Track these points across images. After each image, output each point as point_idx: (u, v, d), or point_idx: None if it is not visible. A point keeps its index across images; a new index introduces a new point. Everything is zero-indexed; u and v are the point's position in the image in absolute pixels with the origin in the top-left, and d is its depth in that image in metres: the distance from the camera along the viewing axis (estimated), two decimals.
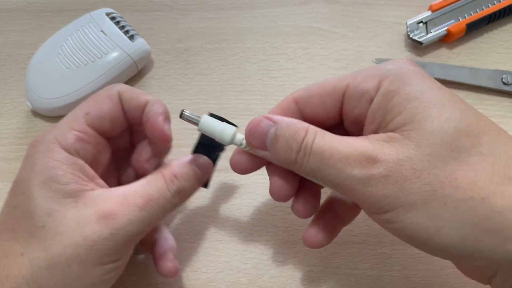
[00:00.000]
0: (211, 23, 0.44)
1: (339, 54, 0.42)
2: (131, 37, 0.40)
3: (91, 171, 0.26)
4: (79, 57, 0.39)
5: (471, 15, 0.41)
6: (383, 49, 0.42)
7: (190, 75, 0.42)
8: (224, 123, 0.27)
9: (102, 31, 0.40)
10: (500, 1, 0.41)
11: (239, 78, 0.41)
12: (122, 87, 0.28)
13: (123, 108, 0.28)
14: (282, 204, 0.35)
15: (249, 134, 0.26)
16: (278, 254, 0.34)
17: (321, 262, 0.33)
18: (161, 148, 0.29)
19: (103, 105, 0.27)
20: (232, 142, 0.27)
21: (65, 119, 0.27)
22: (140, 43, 0.41)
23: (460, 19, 0.41)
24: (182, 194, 0.27)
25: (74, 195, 0.24)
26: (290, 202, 0.35)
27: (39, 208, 0.24)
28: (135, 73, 0.42)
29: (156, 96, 0.41)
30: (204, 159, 0.28)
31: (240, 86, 0.41)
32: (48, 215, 0.24)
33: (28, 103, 0.39)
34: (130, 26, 0.41)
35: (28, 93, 0.39)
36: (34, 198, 0.24)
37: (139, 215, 0.25)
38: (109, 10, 0.42)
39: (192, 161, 0.28)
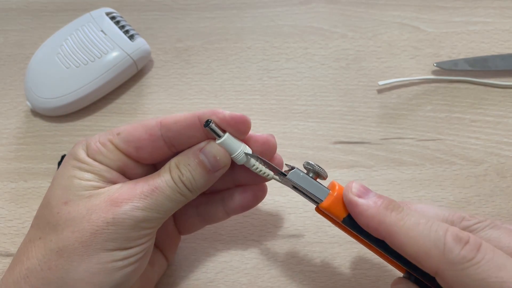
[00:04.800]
0: (211, 22, 0.44)
1: (339, 54, 0.42)
2: (131, 37, 0.40)
3: (114, 176, 0.27)
4: (79, 57, 0.39)
5: None
6: (383, 49, 0.42)
7: (190, 75, 0.42)
8: (243, 145, 0.27)
9: (102, 30, 0.40)
10: None
11: (239, 78, 0.41)
12: (164, 117, 0.27)
13: (165, 138, 0.27)
14: (282, 204, 0.36)
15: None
16: (278, 254, 0.34)
17: (321, 263, 0.33)
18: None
19: (135, 132, 0.27)
20: (245, 163, 0.28)
21: (107, 131, 0.28)
22: (140, 42, 0.41)
23: None
24: (189, 185, 0.26)
25: (92, 190, 0.26)
26: (289, 202, 0.36)
27: (57, 197, 0.26)
28: (135, 73, 0.42)
29: (155, 96, 0.41)
30: (213, 147, 0.27)
31: (240, 86, 0.41)
32: (64, 203, 0.25)
33: (28, 103, 0.39)
34: (130, 25, 0.41)
35: (27, 92, 0.39)
36: (56, 189, 0.26)
37: (144, 202, 0.25)
38: (109, 9, 0.42)
39: (199, 149, 0.27)
